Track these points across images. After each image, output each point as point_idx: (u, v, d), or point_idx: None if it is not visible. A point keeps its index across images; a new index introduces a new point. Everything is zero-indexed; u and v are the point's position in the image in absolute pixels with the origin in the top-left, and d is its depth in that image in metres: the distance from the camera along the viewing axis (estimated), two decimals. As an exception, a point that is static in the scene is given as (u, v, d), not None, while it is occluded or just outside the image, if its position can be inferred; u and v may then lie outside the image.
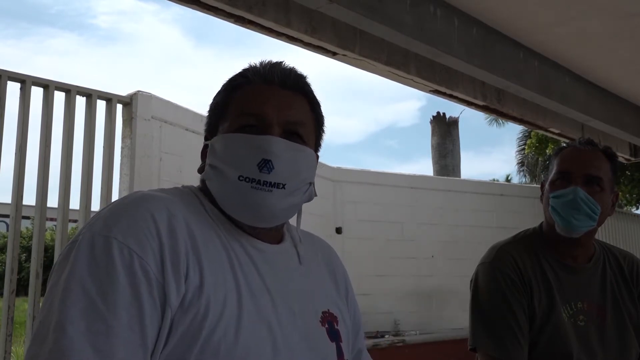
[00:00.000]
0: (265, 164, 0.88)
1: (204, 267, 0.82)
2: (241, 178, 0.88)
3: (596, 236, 1.60)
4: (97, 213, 0.85)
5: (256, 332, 0.83)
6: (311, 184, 0.97)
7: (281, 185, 0.89)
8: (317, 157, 1.03)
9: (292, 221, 1.04)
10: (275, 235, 0.97)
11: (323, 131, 1.03)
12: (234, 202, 0.90)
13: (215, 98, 0.99)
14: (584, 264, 1.53)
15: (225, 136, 0.92)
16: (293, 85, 0.96)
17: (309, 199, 0.97)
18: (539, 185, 1.62)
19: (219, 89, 1.00)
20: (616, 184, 1.56)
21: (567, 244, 1.51)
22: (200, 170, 0.97)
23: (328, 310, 0.99)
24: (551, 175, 1.52)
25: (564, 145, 1.59)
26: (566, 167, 1.49)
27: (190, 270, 0.81)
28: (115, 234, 0.78)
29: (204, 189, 0.96)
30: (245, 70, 0.97)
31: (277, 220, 0.94)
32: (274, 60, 0.98)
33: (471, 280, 1.56)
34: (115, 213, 0.82)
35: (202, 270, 0.82)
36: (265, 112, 0.92)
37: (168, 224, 0.82)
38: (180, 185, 0.98)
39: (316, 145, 1.01)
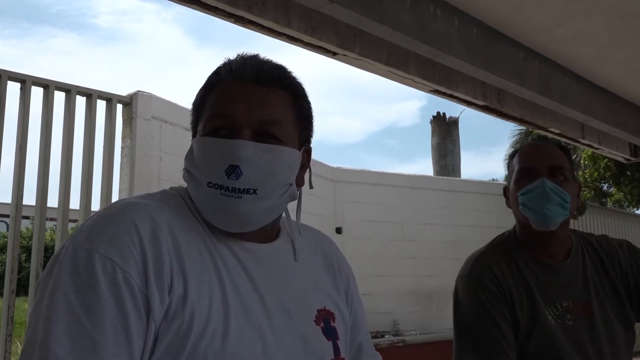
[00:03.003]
0: (233, 170, 0.84)
1: (188, 276, 0.81)
2: (210, 184, 0.85)
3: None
4: (81, 225, 0.83)
5: (245, 337, 0.82)
6: (292, 184, 0.92)
7: (252, 191, 0.85)
8: (310, 150, 0.99)
9: (292, 215, 1.02)
10: (264, 234, 0.94)
11: (311, 123, 0.98)
12: (207, 208, 0.87)
13: (195, 97, 0.95)
14: (562, 261, 1.51)
15: (198, 139, 0.90)
16: (267, 79, 0.90)
17: (292, 199, 0.94)
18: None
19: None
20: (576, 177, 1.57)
21: (542, 242, 1.50)
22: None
23: (324, 307, 0.96)
24: (514, 176, 1.52)
25: (518, 147, 1.60)
26: (528, 163, 1.49)
27: (175, 281, 0.79)
28: (98, 247, 0.77)
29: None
30: (219, 67, 0.93)
31: (253, 225, 0.89)
32: (248, 53, 0.92)
33: (453, 294, 1.54)
34: (98, 225, 0.81)
35: (186, 280, 0.80)
36: (234, 114, 0.87)
37: (151, 233, 0.80)
38: (178, 186, 0.96)
39: (302, 140, 0.96)
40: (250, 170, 0.85)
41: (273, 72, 0.92)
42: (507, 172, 1.61)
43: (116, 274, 0.76)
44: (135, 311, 0.76)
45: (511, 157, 1.57)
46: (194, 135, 0.94)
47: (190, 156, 0.91)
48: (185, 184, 0.97)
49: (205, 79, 0.95)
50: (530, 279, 1.48)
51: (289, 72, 0.95)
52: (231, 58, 0.93)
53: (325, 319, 0.95)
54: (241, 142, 0.86)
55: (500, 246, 1.56)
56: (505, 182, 1.63)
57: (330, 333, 0.95)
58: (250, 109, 0.88)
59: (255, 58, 0.92)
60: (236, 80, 0.90)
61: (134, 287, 0.76)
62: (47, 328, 0.73)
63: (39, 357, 0.71)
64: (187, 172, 0.90)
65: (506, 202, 1.59)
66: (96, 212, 0.85)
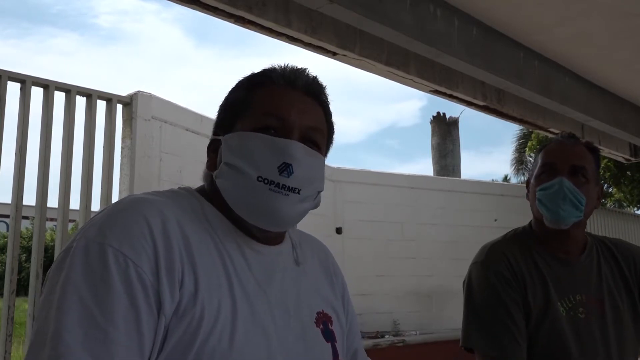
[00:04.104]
0: (286, 168, 0.87)
1: (199, 273, 0.82)
2: (260, 179, 0.87)
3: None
4: (91, 219, 0.84)
5: (251, 337, 0.83)
6: (319, 192, 0.96)
7: (297, 190, 0.88)
8: None
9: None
10: (275, 237, 0.96)
11: (332, 142, 1.03)
12: (248, 202, 0.88)
13: (233, 93, 0.98)
14: (577, 256, 1.52)
15: (245, 134, 0.91)
16: (315, 93, 0.97)
17: (316, 207, 0.97)
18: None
19: (236, 85, 0.99)
20: (601, 180, 1.57)
21: (557, 239, 1.50)
22: (211, 167, 0.95)
23: (322, 310, 0.99)
24: (536, 170, 1.52)
25: (547, 142, 1.60)
26: (551, 159, 1.49)
27: (185, 277, 0.80)
28: (110, 241, 0.78)
29: (206, 188, 0.95)
30: (268, 71, 0.97)
31: (288, 225, 0.93)
32: (298, 66, 0.98)
33: (464, 281, 1.55)
34: (109, 219, 0.81)
35: (197, 276, 0.81)
36: (289, 116, 0.91)
37: (162, 228, 0.81)
38: (179, 186, 0.97)
39: (325, 155, 1.02)
40: (300, 170, 0.89)
41: (320, 88, 0.98)
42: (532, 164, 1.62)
43: (129, 268, 0.76)
44: (146, 306, 0.76)
45: (538, 151, 1.58)
46: (226, 131, 0.94)
47: (232, 150, 0.91)
48: (183, 184, 0.97)
49: (246, 80, 0.98)
50: (544, 270, 1.48)
51: (328, 93, 1.00)
52: (277, 66, 0.97)
53: (323, 322, 0.97)
54: (296, 143, 0.90)
55: (515, 238, 1.57)
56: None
57: (328, 335, 0.97)
58: (301, 114, 0.93)
59: (305, 71, 0.97)
60: (289, 86, 0.95)
61: (146, 282, 0.77)
62: (59, 319, 0.73)
63: (51, 347, 0.72)
64: (229, 166, 0.90)
65: (526, 194, 1.59)
66: (106, 207, 0.86)
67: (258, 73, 0.98)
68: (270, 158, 0.88)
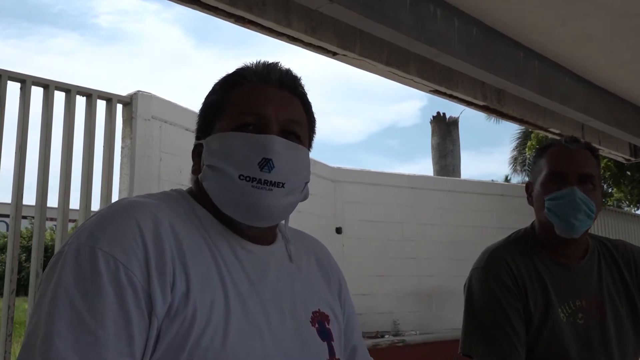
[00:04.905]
0: (266, 163, 0.88)
1: (191, 274, 0.82)
2: (242, 177, 0.87)
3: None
4: (83, 223, 0.85)
5: (244, 336, 0.83)
6: (306, 183, 0.97)
7: (281, 184, 0.89)
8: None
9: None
10: (267, 236, 0.97)
11: (314, 132, 1.03)
12: (234, 201, 0.89)
13: (209, 97, 0.98)
14: (578, 260, 1.51)
15: (223, 135, 0.92)
16: (289, 86, 0.97)
17: (304, 199, 0.97)
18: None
19: (212, 89, 0.99)
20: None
21: (562, 244, 1.49)
22: (196, 171, 0.96)
23: (319, 309, 0.99)
24: (542, 177, 1.49)
25: (547, 144, 1.55)
26: (560, 168, 1.46)
27: (177, 278, 0.81)
28: (101, 245, 0.78)
29: (194, 191, 0.96)
30: (241, 70, 0.97)
31: (275, 219, 0.94)
32: (270, 60, 0.98)
33: (464, 286, 1.53)
34: (101, 222, 0.82)
35: (189, 277, 0.82)
36: (265, 111, 0.92)
37: (154, 231, 0.82)
38: (178, 186, 0.98)
39: (308, 145, 1.02)
40: (281, 164, 0.89)
41: (294, 81, 0.98)
42: (531, 166, 1.59)
43: (119, 271, 0.77)
44: (137, 309, 0.77)
45: (539, 154, 1.54)
46: (206, 134, 0.95)
47: (212, 152, 0.92)
48: (183, 184, 0.97)
49: (220, 82, 0.98)
50: (545, 275, 1.47)
51: (303, 84, 1.00)
52: (250, 64, 0.97)
53: (319, 321, 0.97)
54: (274, 137, 0.90)
55: (517, 242, 1.55)
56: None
57: (324, 334, 0.96)
58: (277, 109, 0.93)
59: (277, 65, 0.97)
60: (262, 83, 0.95)
61: (136, 285, 0.77)
62: (50, 323, 0.73)
63: (41, 352, 0.72)
64: (210, 168, 0.91)
65: (528, 199, 1.56)
66: (98, 211, 0.87)
67: (231, 73, 0.98)
68: (250, 155, 0.88)
